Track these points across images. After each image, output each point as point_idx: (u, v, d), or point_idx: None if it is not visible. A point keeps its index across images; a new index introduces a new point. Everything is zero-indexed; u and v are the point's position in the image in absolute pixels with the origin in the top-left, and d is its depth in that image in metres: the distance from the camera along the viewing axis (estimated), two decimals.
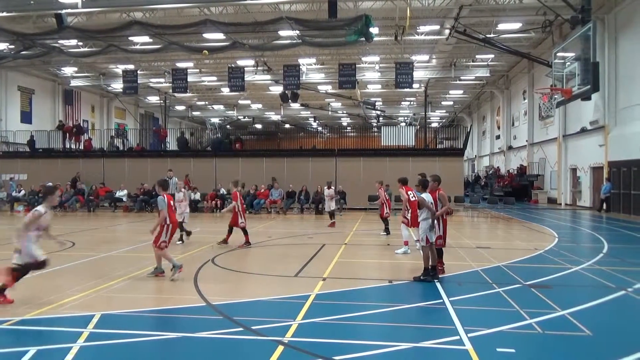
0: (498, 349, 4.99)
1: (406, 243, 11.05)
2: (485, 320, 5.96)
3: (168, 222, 8.29)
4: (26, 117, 32.93)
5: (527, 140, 34.90)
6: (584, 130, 25.46)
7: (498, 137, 43.15)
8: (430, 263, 8.13)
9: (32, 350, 4.83)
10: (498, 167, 41.74)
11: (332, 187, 17.66)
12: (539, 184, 32.52)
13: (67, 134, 30.22)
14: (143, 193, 24.10)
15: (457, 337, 5.28)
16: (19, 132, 30.51)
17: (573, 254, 10.93)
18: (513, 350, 4.97)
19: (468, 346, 5.01)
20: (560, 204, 28.42)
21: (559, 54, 17.71)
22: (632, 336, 5.52)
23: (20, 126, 31.62)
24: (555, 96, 17.76)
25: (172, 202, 8.71)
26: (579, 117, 26.03)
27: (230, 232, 12.05)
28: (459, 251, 11.25)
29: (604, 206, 22.69)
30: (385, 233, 14.43)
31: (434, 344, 5.14)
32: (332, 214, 17.31)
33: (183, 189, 13.21)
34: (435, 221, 8.26)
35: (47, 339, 5.32)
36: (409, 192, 10.59)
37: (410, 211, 10.53)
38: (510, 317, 6.02)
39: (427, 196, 8.36)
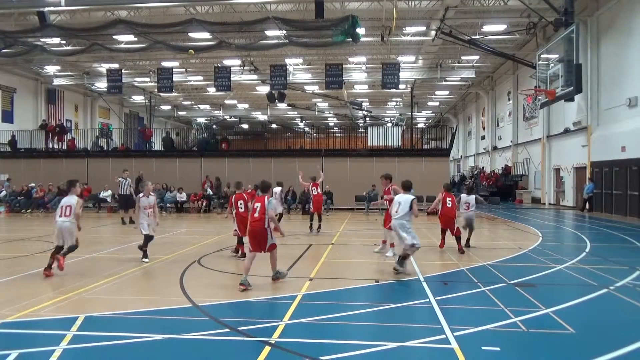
0: (483, 348, 5.04)
1: (392, 245, 10.59)
2: (471, 319, 6.01)
3: None
4: (7, 117, 32.31)
5: (511, 141, 35.31)
6: (567, 131, 25.84)
7: (483, 137, 43.58)
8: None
9: (14, 354, 4.74)
10: (483, 167, 42.17)
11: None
12: (523, 184, 32.93)
13: (50, 134, 29.77)
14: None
15: (443, 336, 5.31)
16: (0, 131, 29.95)
17: (557, 253, 11.08)
18: (498, 349, 5.02)
19: (454, 345, 5.04)
20: (544, 203, 28.80)
21: (542, 56, 17.98)
22: (614, 333, 5.61)
23: (2, 126, 31.00)
24: (539, 97, 18.03)
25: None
26: (562, 118, 26.41)
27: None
28: (445, 251, 11.34)
29: (587, 206, 23.04)
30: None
31: (420, 343, 5.17)
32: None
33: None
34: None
35: (29, 342, 5.22)
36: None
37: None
38: (496, 316, 6.08)
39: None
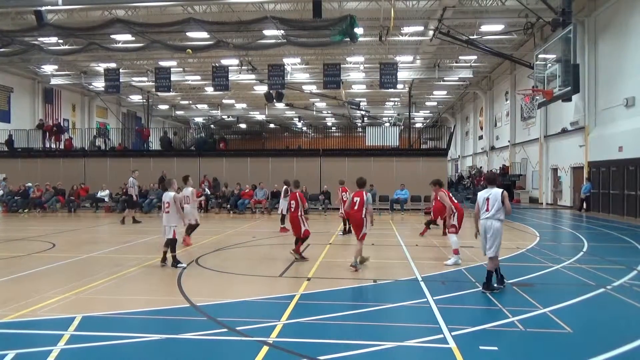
0: (481, 347, 5.04)
1: (456, 252, 9.72)
2: (469, 318, 6.02)
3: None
4: (4, 116, 32.23)
5: (509, 141, 35.35)
6: (564, 131, 25.89)
7: (481, 137, 43.64)
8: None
9: (11, 354, 4.73)
10: (481, 167, 42.22)
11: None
12: (521, 184, 32.97)
13: (47, 133, 29.68)
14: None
15: (441, 336, 5.32)
16: None
17: (554, 253, 11.11)
18: (496, 348, 5.03)
19: (452, 344, 5.05)
20: (542, 203, 28.85)
21: (540, 56, 17.99)
22: (611, 333, 5.62)
23: None
24: (537, 97, 18.02)
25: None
26: (559, 118, 26.46)
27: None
28: (443, 250, 11.34)
29: (584, 205, 23.09)
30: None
31: (418, 342, 5.17)
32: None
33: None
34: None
35: (26, 342, 5.21)
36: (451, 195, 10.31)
37: (456, 215, 10.15)
38: (493, 316, 6.09)
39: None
